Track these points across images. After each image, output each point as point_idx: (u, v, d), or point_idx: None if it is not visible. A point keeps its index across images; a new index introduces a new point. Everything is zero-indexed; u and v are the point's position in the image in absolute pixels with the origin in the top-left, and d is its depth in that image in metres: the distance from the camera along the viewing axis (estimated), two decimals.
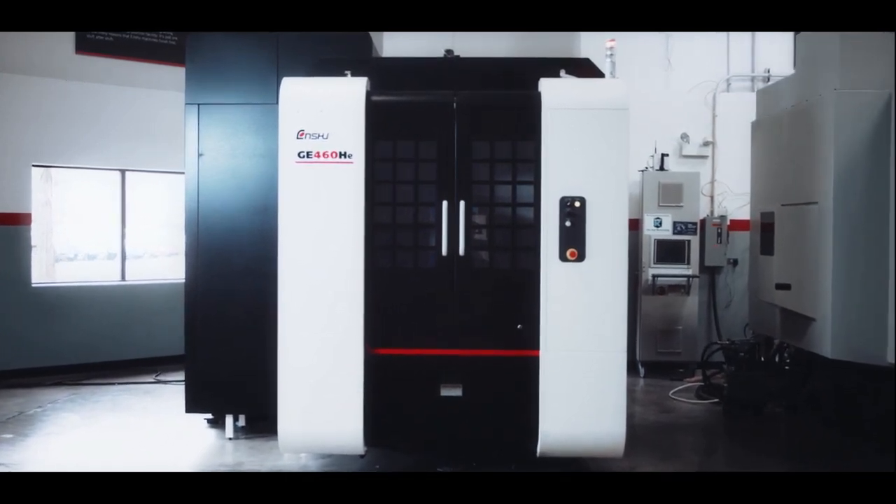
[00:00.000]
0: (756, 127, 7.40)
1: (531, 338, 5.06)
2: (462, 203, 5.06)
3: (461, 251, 5.05)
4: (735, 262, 9.76)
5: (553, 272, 5.03)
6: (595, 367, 5.06)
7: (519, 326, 5.07)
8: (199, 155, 6.44)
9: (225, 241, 6.43)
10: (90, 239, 10.22)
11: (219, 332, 6.40)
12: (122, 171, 9.78)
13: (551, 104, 5.05)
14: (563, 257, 5.02)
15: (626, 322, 5.12)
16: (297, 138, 5.07)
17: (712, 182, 9.92)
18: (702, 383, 8.33)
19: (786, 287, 6.10)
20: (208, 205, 6.44)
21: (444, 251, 5.05)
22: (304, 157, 5.08)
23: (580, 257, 5.02)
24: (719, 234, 9.63)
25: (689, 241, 9.24)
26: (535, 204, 5.04)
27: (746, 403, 7.24)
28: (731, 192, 9.74)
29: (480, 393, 5.14)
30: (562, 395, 5.07)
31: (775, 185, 6.66)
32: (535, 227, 5.03)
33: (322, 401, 5.11)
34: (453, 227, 5.04)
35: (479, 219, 5.12)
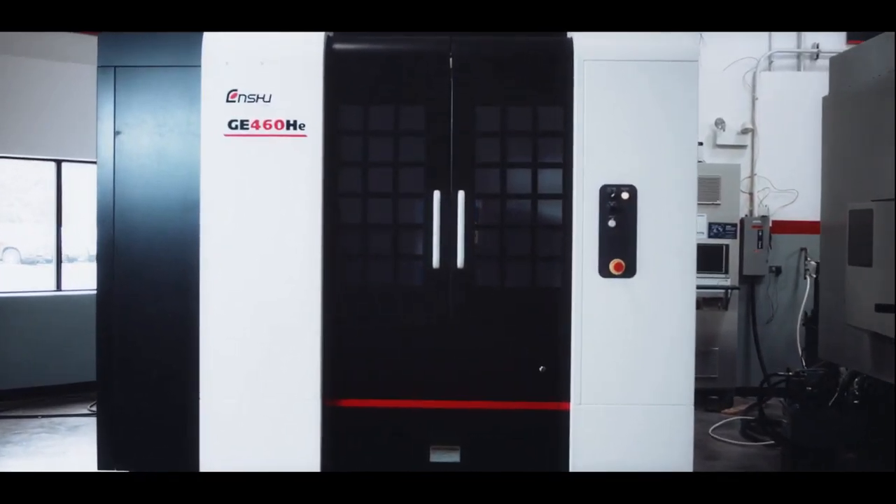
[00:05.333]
0: (830, 103, 6.13)
1: (558, 385, 4.07)
2: (461, 194, 4.03)
3: (459, 262, 4.04)
4: (778, 271, 8.74)
5: (590, 292, 4.02)
6: (650, 426, 4.01)
7: (541, 369, 4.09)
8: (116, 133, 5.20)
9: (149, 246, 5.16)
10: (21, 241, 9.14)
11: (140, 365, 5.11)
12: (58, 162, 8.72)
13: (588, 53, 3.97)
14: (604, 271, 4.01)
15: (692, 362, 4.01)
16: (228, 101, 4.00)
17: (752, 176, 8.87)
18: (749, 418, 7.24)
19: (890, 309, 4.70)
20: (127, 198, 5.18)
21: (436, 262, 4.05)
22: (236, 127, 4.00)
23: (629, 271, 3.98)
24: (760, 238, 8.58)
25: (727, 246, 8.20)
26: (565, 196, 4.05)
27: (815, 450, 5.97)
28: (774, 188, 8.70)
29: (485, 458, 4.16)
30: (601, 463, 4.02)
31: (865, 176, 5.33)
32: (564, 228, 4.06)
33: (262, 469, 3.98)
34: (448, 229, 4.05)
35: (485, 217, 4.13)
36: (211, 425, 4.02)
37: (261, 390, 3.95)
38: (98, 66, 5.13)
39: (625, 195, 3.94)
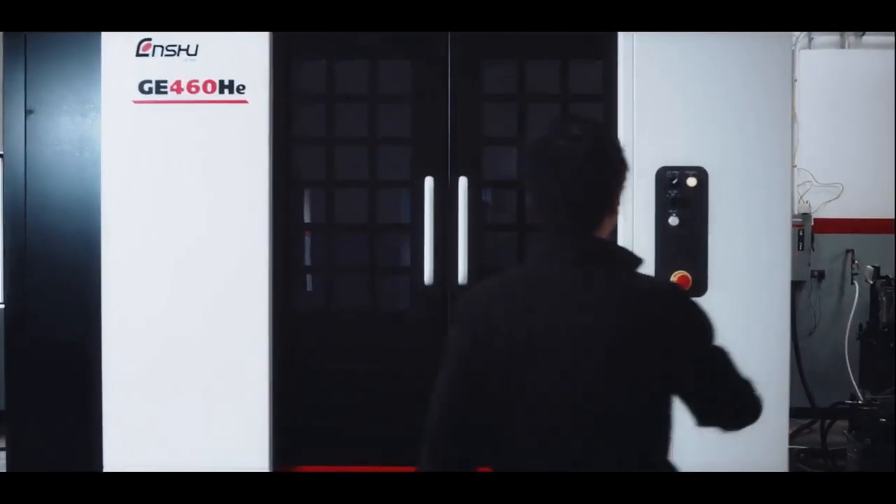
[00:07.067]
0: None
1: None
2: (463, 182, 3.29)
3: (461, 277, 3.30)
4: (821, 276, 8.03)
5: None
6: None
7: None
8: (28, 112, 4.64)
9: (70, 254, 4.52)
10: None
11: (58, 402, 4.39)
12: None
13: None
14: None
15: (787, 409, 3.21)
16: (139, 55, 3.19)
17: (791, 168, 8.08)
18: (798, 447, 6.58)
19: None
20: (42, 192, 4.64)
21: (428, 277, 3.33)
22: (150, 91, 3.21)
23: (698, 287, 3.22)
24: (801, 238, 7.98)
25: None
26: None
27: None
28: (816, 181, 7.94)
29: None
30: None
31: None
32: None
33: None
34: (446, 231, 3.33)
35: (497, 213, 3.53)
36: None
37: (187, 455, 3.03)
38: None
39: (691, 181, 3.17)
